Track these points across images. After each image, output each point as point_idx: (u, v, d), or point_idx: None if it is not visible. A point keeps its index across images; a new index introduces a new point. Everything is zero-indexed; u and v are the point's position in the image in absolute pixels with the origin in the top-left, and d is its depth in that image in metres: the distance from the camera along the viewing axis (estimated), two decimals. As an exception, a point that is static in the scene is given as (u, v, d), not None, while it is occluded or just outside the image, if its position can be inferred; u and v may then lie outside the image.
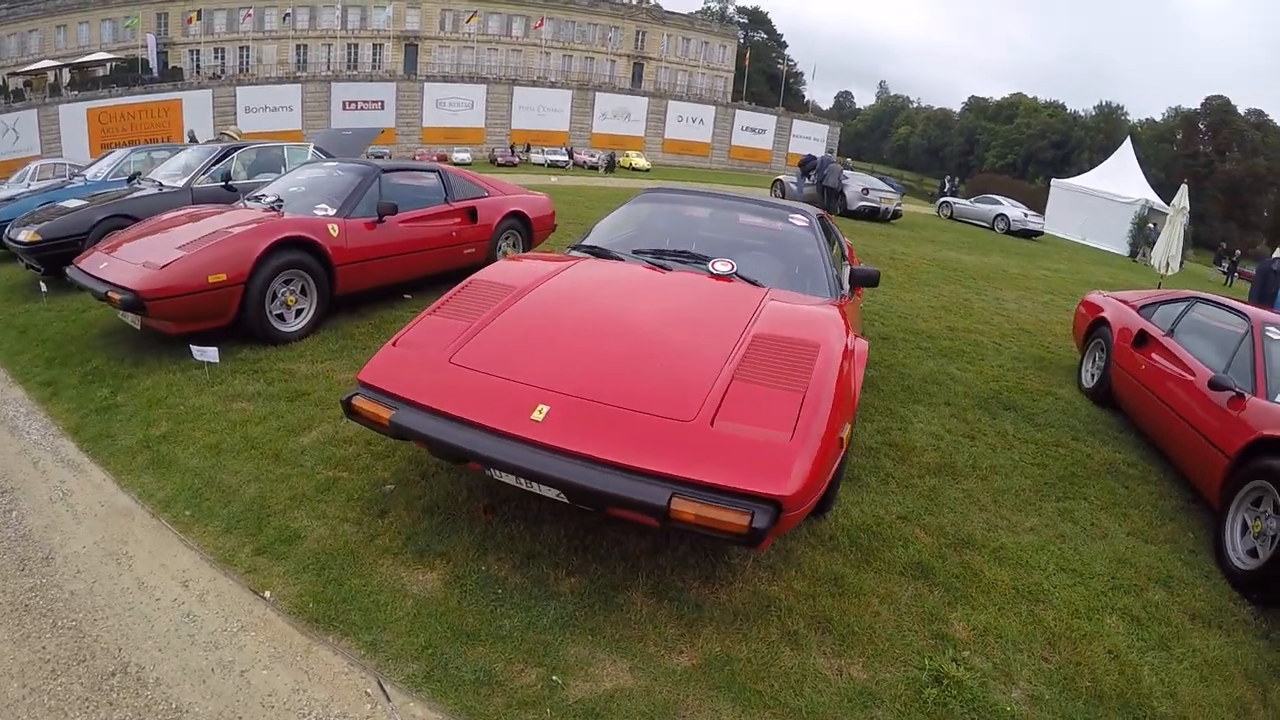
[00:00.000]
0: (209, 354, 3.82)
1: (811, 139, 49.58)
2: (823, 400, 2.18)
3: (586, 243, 3.70)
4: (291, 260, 4.34)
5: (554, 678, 2.01)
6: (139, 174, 8.28)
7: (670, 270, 3.22)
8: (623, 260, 3.38)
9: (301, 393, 3.73)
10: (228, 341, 4.21)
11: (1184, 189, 12.80)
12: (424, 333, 2.63)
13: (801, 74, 78.37)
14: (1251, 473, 2.95)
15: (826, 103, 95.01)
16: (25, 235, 5.65)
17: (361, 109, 40.30)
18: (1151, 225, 22.00)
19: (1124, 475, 3.81)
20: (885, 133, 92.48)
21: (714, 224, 4.15)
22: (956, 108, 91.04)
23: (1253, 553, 2.91)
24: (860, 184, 16.63)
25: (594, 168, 34.71)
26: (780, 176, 19.93)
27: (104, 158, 9.87)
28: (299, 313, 4.53)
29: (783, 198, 17.10)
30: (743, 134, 48.87)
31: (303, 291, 4.51)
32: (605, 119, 45.08)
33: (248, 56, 46.22)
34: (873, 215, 16.30)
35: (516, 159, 36.07)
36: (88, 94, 37.74)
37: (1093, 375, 5.13)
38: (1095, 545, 3.05)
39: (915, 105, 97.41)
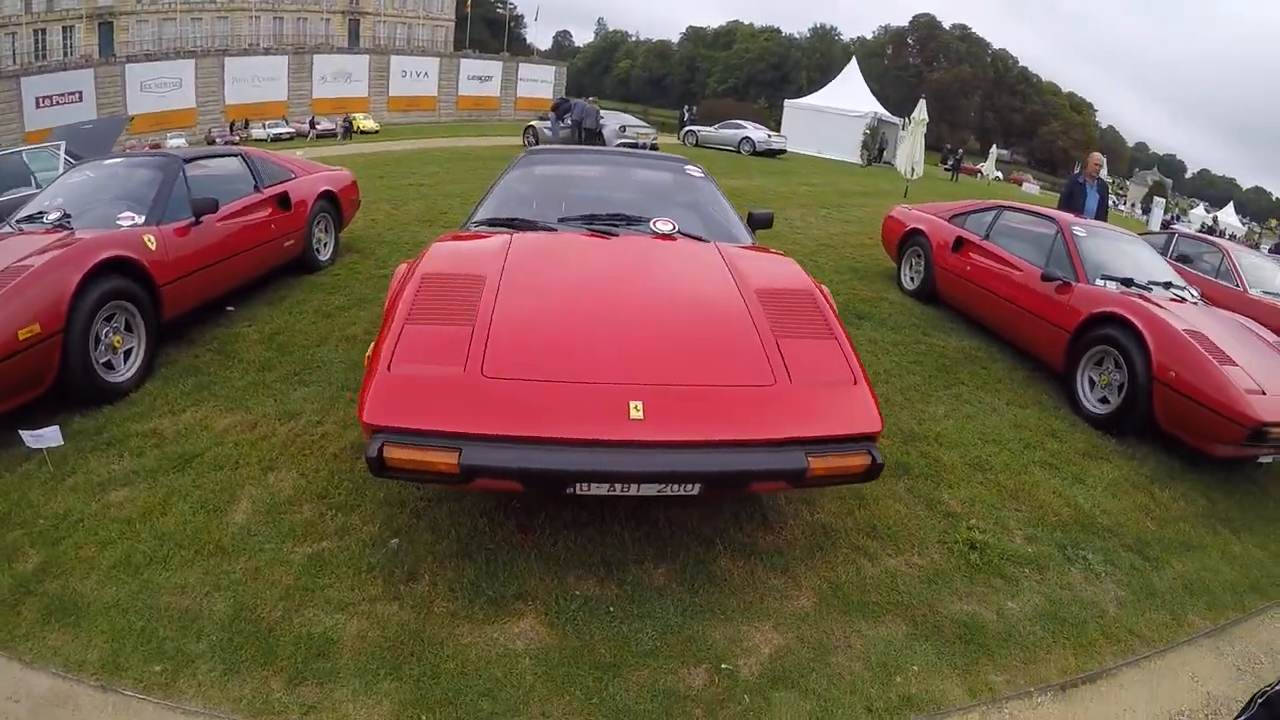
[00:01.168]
0: (48, 437, 2.89)
1: (539, 81, 49.07)
2: (846, 339, 2.44)
3: (494, 216, 3.43)
4: (112, 289, 3.40)
5: (723, 666, 2.08)
6: None
7: (615, 235, 3.16)
8: (556, 230, 3.22)
9: (187, 456, 3.02)
10: (37, 414, 3.18)
11: (922, 103, 14.86)
12: (415, 348, 2.20)
13: (521, 17, 77.06)
14: (1091, 340, 4.01)
15: (546, 44, 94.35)
16: None
17: (58, 104, 32.06)
18: (882, 135, 25.55)
19: (978, 359, 4.74)
20: (606, 68, 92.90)
21: (612, 181, 4.09)
22: (675, 39, 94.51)
23: (1104, 400, 3.96)
24: (616, 122, 17.09)
25: (332, 135, 31.45)
26: (532, 122, 19.47)
27: None
28: (127, 354, 3.59)
29: (535, 142, 16.78)
30: (469, 83, 46.94)
31: (127, 327, 3.58)
32: (325, 82, 40.46)
33: None
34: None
35: (237, 137, 31.30)
36: None
37: (913, 279, 6.15)
38: (992, 418, 3.86)
39: (634, 39, 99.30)
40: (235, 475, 2.90)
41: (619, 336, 2.33)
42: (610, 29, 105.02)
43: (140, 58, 37.02)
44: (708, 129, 24.53)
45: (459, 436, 1.95)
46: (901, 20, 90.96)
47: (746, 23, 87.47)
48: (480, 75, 47.18)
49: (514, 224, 3.28)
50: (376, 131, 33.08)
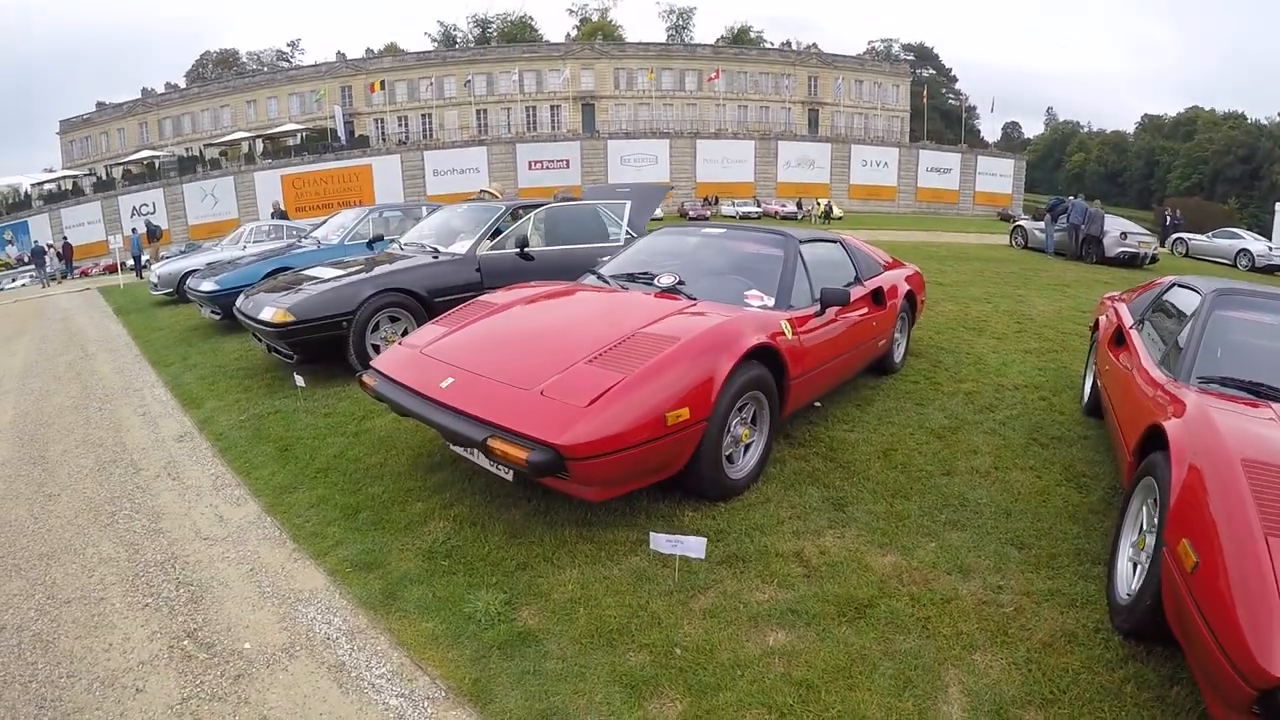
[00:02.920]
0: (690, 546, 2.34)
1: (997, 175, 46.34)
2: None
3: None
4: (754, 378, 3.03)
5: None
6: (381, 237, 7.68)
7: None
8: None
9: (856, 603, 2.31)
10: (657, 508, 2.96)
11: None
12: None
13: (974, 108, 74.06)
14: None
15: (994, 135, 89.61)
16: (271, 314, 4.67)
17: (547, 168, 41.83)
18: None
19: None
20: (1059, 161, 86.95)
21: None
22: (1129, 128, 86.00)
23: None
24: (1117, 228, 14.48)
25: (793, 217, 33.67)
26: (1020, 222, 18.21)
27: (329, 220, 9.21)
28: (747, 449, 3.18)
29: (1025, 245, 16.63)
30: (927, 175, 46.10)
31: (753, 420, 3.19)
32: (789, 167, 44.04)
33: (430, 123, 50.03)
34: (1130, 261, 14.05)
35: (708, 212, 35.71)
36: (281, 161, 41.47)
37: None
38: None
39: (1086, 130, 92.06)
40: (928, 647, 2.13)
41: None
42: (1060, 119, 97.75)
43: (620, 135, 44.98)
44: (1200, 238, 20.24)
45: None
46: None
47: (1208, 109, 74.53)
48: (939, 167, 46.39)
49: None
50: (842, 218, 34.16)
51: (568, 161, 42.46)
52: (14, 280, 34.35)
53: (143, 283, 14.55)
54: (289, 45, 75.94)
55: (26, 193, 42.95)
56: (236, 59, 68.49)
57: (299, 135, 45.13)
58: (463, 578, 2.50)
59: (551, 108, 50.63)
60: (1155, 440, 2.37)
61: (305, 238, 9.08)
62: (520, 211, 6.03)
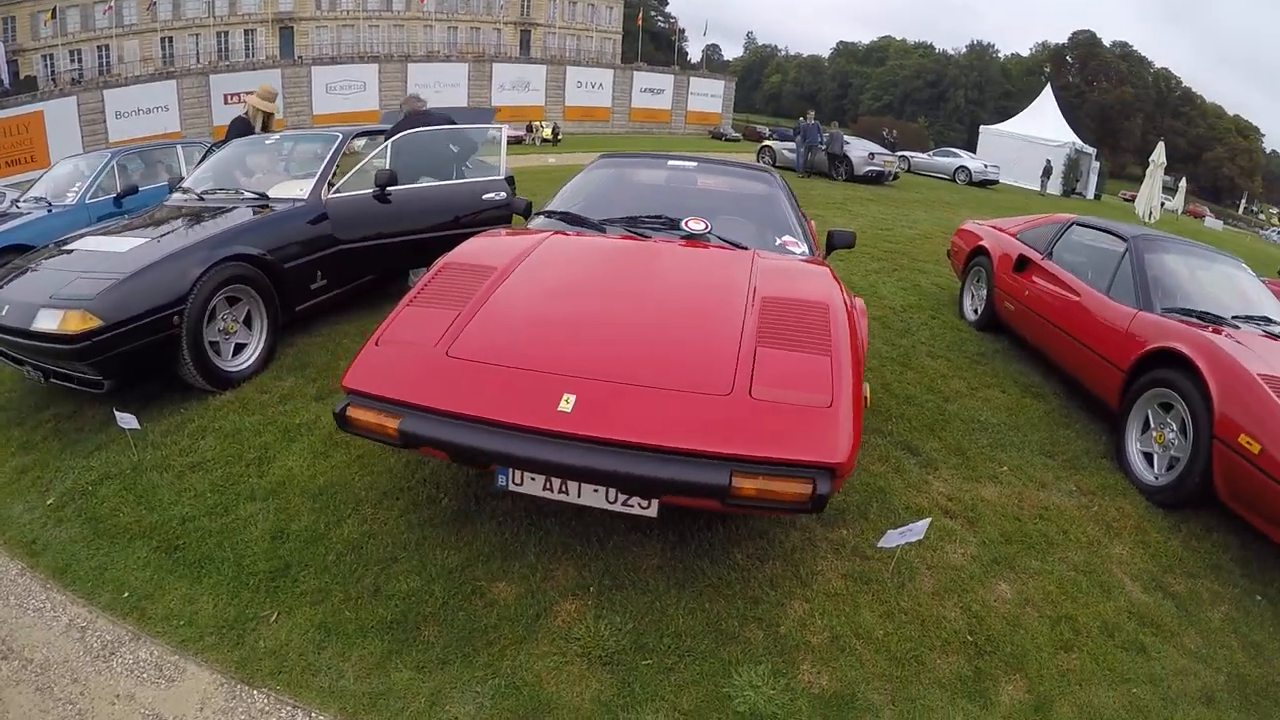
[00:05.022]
0: None
1: (709, 95, 49.41)
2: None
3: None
4: None
5: None
6: (135, 189, 6.06)
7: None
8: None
9: None
10: None
11: (1161, 145, 15.32)
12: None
13: (683, 31, 77.92)
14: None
15: (695, 58, 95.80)
16: (57, 321, 2.99)
17: (244, 101, 35.26)
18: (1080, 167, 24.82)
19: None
20: (757, 82, 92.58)
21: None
22: (825, 54, 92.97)
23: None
24: (864, 149, 16.43)
25: (546, 141, 32.56)
26: (767, 142, 19.49)
27: (48, 173, 7.10)
28: None
29: (773, 164, 16.27)
30: (641, 95, 47.75)
31: None
32: (504, 90, 42.21)
33: (108, 56, 39.33)
34: (878, 179, 16.23)
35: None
36: None
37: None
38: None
39: (784, 53, 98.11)
40: (1081, 554, 2.65)
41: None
42: (759, 43, 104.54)
43: (325, 60, 39.76)
44: (921, 156, 23.90)
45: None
46: (1060, 37, 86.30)
47: (899, 38, 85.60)
48: (652, 88, 47.92)
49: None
50: (559, 140, 34.00)
51: (265, 93, 36.02)
52: None
53: None
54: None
55: None
56: None
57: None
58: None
59: (245, 32, 42.36)
60: (1159, 360, 3.14)
61: (18, 202, 6.63)
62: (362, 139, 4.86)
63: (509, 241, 3.00)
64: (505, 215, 4.83)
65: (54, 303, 3.07)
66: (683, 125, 48.41)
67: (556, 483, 2.01)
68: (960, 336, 5.00)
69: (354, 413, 2.11)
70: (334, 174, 4.37)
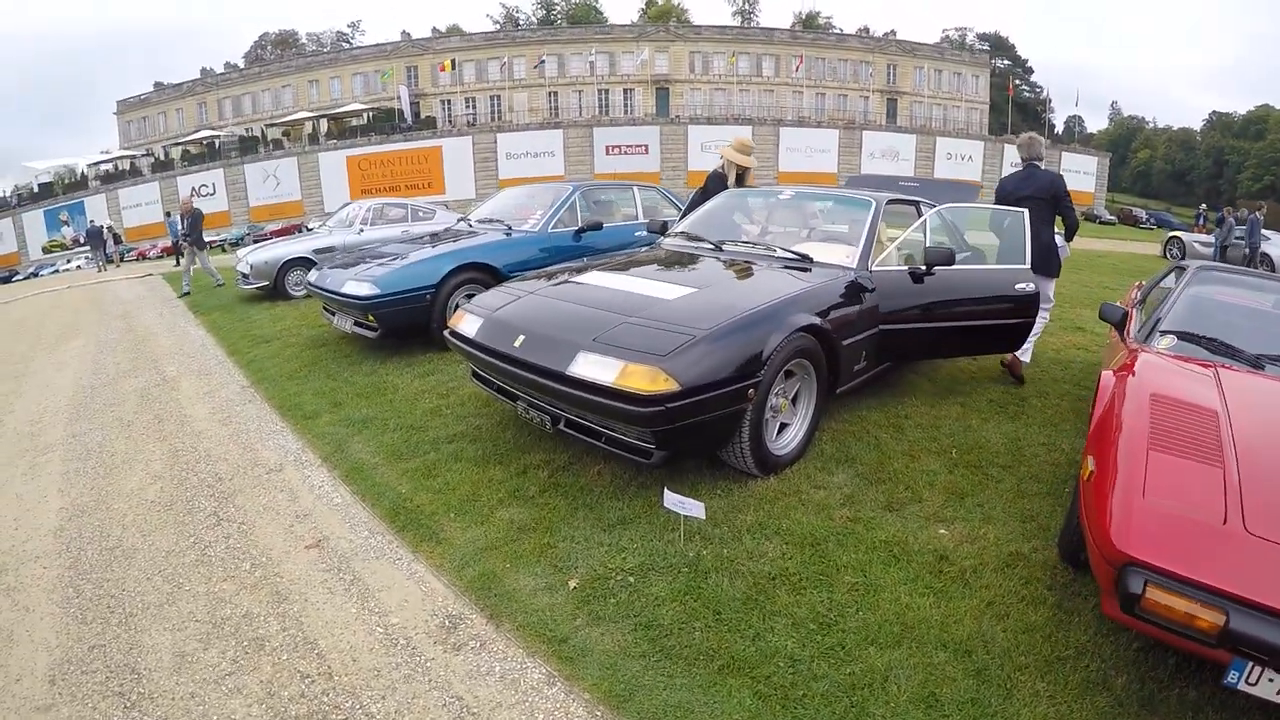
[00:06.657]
0: None
1: (1080, 172, 43.32)
2: None
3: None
4: None
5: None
6: (599, 225, 5.85)
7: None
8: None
9: None
10: None
11: None
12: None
13: (1048, 101, 70.08)
14: None
15: (1058, 129, 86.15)
16: (607, 374, 2.52)
17: (625, 153, 39.78)
18: None
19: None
20: (1123, 158, 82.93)
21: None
22: (1195, 125, 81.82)
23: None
24: None
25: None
26: (1178, 234, 17.79)
27: (494, 198, 7.14)
28: None
29: (1182, 257, 15.26)
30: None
31: None
32: (874, 158, 41.34)
33: (499, 105, 48.04)
34: None
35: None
36: (346, 142, 39.24)
37: None
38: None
39: (1152, 126, 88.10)
40: None
41: None
42: (1124, 114, 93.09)
43: (701, 120, 42.41)
44: None
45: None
46: None
47: (1278, 107, 70.68)
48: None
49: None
50: None
51: (646, 147, 40.24)
52: (69, 262, 33.25)
53: (179, 271, 12.46)
54: (349, 26, 75.02)
55: (83, 173, 41.83)
56: (295, 40, 67.43)
57: (365, 115, 43.18)
58: None
59: (624, 91, 48.36)
60: None
61: (467, 220, 6.75)
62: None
63: (1187, 369, 2.58)
64: (1023, 311, 3.88)
65: (603, 349, 2.61)
66: (1052, 201, 42.23)
67: None
68: None
69: (1157, 594, 1.58)
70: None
